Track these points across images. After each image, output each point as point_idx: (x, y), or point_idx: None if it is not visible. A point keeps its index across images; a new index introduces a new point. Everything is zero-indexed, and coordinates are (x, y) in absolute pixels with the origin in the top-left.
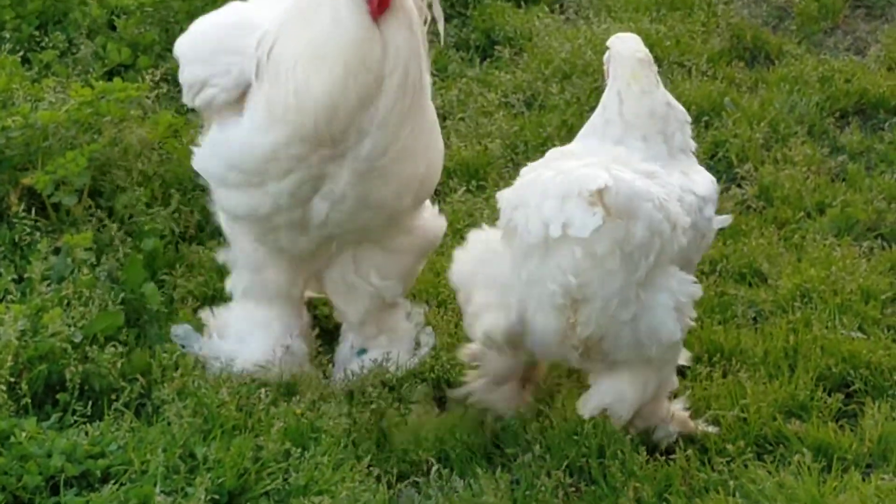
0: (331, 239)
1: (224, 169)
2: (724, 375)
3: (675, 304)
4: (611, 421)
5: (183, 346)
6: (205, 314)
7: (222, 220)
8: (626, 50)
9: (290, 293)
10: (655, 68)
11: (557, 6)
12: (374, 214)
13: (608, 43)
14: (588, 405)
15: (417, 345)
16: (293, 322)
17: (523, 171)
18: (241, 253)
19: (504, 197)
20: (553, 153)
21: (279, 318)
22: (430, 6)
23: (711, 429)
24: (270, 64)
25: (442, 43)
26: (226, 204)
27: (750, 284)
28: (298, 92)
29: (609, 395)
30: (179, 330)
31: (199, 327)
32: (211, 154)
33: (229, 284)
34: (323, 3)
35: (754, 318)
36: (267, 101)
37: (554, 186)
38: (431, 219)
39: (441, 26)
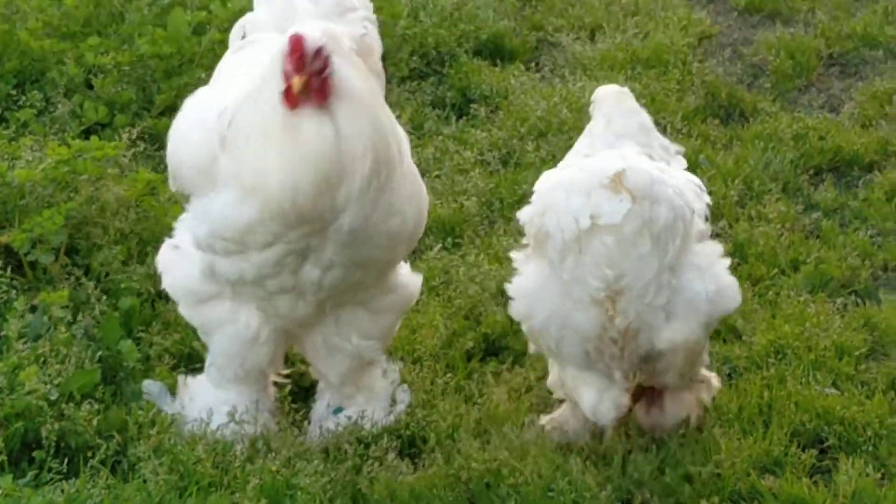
0: (326, 301)
1: (208, 236)
2: (699, 431)
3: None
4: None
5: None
6: (180, 379)
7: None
8: (609, 89)
9: (265, 372)
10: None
11: (533, 65)
12: (368, 272)
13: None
14: (665, 426)
15: (393, 402)
16: (262, 400)
17: (538, 184)
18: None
19: (527, 212)
20: (550, 173)
21: (249, 397)
22: None
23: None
24: (229, 139)
25: None
26: (217, 269)
27: (724, 341)
28: (256, 172)
29: (678, 412)
30: (153, 387)
31: (172, 386)
32: (195, 221)
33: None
34: (269, 82)
35: (729, 375)
36: (234, 176)
37: (577, 183)
38: (409, 277)
39: None
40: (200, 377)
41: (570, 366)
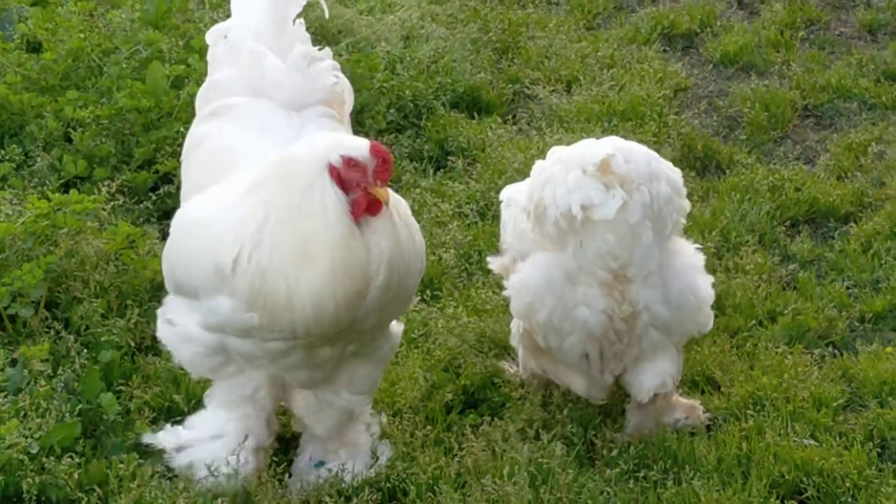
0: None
1: (217, 327)
2: (678, 483)
3: (695, 264)
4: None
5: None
6: (162, 435)
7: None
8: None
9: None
10: None
11: (510, 117)
12: (378, 333)
13: None
14: (643, 390)
15: (374, 456)
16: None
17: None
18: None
19: (525, 188)
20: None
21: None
22: None
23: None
24: (245, 265)
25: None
26: (228, 345)
27: (703, 392)
28: (281, 292)
29: (657, 375)
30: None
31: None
32: (200, 314)
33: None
34: (310, 200)
35: (707, 426)
36: (249, 293)
37: (575, 159)
38: (396, 327)
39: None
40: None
41: (563, 363)
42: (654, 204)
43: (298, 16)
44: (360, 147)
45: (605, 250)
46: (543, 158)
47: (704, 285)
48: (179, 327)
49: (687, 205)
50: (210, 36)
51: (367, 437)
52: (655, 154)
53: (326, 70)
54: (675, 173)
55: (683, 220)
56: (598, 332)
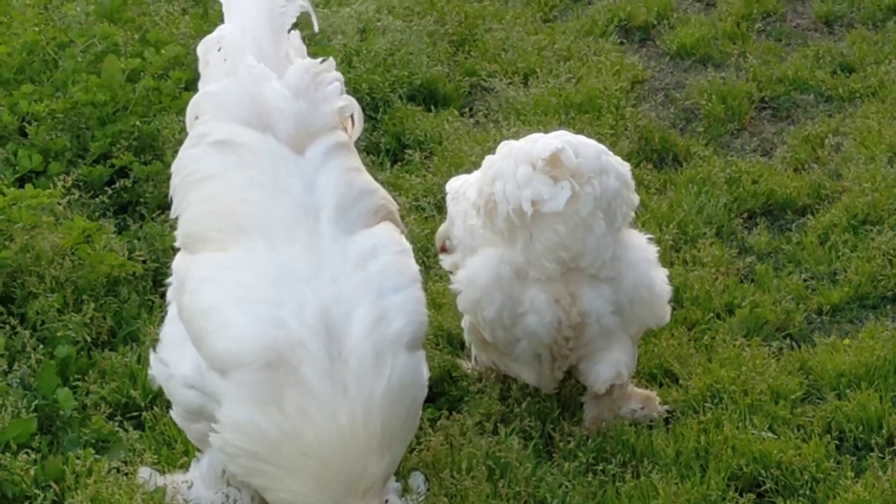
0: None
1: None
2: (636, 476)
3: (648, 257)
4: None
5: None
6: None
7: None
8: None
9: None
10: None
11: (467, 110)
12: None
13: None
14: (599, 381)
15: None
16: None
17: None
18: None
19: (474, 182)
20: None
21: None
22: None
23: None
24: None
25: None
26: None
27: (661, 385)
28: None
29: (612, 365)
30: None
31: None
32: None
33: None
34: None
35: (665, 419)
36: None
37: (524, 153)
38: None
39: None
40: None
41: (513, 360)
42: (604, 197)
43: (294, 26)
44: None
45: (555, 242)
46: None
47: (660, 278)
48: (177, 377)
49: (636, 198)
50: (201, 48)
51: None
52: (605, 148)
53: (334, 93)
54: (624, 167)
55: (633, 214)
56: (548, 340)
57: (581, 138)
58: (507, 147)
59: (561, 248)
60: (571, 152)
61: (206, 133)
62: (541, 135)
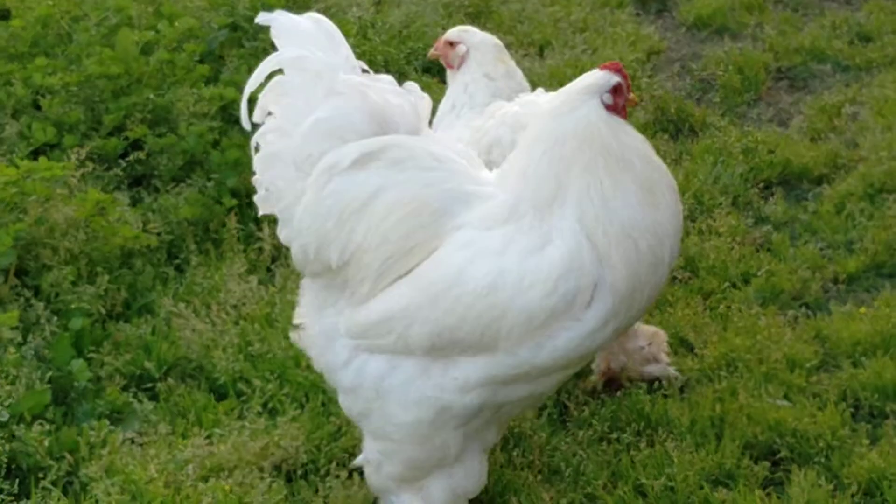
0: None
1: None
2: (651, 445)
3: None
4: None
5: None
6: None
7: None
8: (482, 39)
9: None
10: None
11: None
12: None
13: (454, 37)
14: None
15: None
16: None
17: None
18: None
19: None
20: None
21: None
22: None
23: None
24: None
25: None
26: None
27: (676, 354)
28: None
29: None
30: None
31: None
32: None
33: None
34: (622, 147)
35: (681, 388)
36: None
37: (517, 123)
38: None
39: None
40: None
41: None
42: None
43: None
44: (609, 76)
45: None
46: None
47: None
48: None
49: None
50: (260, 75)
51: None
52: None
53: (412, 88)
54: None
55: None
56: None
57: None
58: (499, 112)
59: None
60: None
61: (346, 163)
62: (532, 96)
